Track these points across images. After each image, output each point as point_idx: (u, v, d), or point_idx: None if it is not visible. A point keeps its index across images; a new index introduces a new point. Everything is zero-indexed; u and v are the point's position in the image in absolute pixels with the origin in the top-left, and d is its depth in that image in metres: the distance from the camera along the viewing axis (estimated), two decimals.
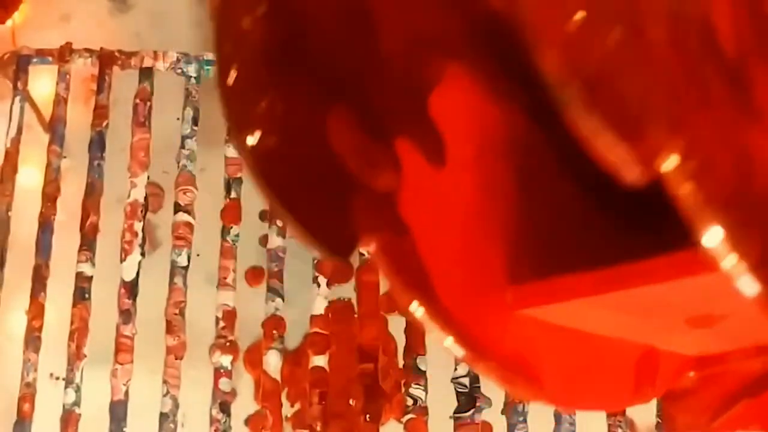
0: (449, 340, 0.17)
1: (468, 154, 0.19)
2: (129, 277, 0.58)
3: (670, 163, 0.13)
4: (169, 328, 0.58)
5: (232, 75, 0.19)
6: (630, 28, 0.14)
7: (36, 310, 0.58)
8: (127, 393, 0.57)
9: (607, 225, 0.18)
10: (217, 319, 0.58)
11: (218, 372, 0.58)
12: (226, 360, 0.58)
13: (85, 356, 0.57)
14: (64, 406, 0.57)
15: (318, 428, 0.59)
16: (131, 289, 0.58)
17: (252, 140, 0.18)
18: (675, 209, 0.13)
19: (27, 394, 0.57)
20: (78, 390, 0.57)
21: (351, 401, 0.59)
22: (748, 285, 0.12)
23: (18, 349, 0.58)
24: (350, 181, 0.18)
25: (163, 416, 0.56)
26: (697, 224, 0.13)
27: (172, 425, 0.56)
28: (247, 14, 0.19)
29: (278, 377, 0.61)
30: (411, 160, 0.18)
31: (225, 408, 0.57)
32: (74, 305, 0.58)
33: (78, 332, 0.58)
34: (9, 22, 0.73)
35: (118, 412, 0.57)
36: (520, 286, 0.18)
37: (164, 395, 0.57)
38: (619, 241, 0.17)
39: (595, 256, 0.15)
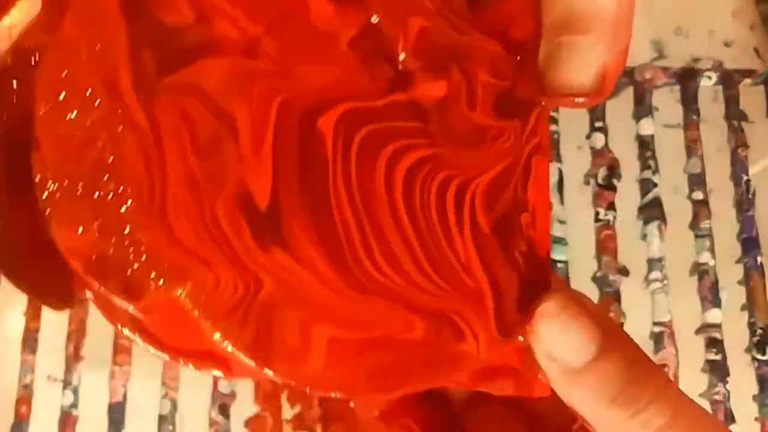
0: (151, 350, 0.24)
1: None
2: None
3: (180, 298, 0.21)
4: None
5: None
6: (143, 224, 0.22)
7: (33, 311, 0.58)
8: (125, 395, 0.56)
9: None
10: None
11: None
12: None
13: (83, 358, 0.57)
14: (61, 407, 0.56)
15: (318, 430, 0.58)
16: None
17: None
18: None
19: (24, 396, 0.57)
20: (76, 392, 0.57)
21: (351, 403, 0.59)
22: (245, 361, 0.22)
23: (15, 350, 0.58)
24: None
25: (161, 418, 0.56)
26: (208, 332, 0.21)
27: (170, 427, 0.56)
28: None
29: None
30: None
31: (224, 410, 0.57)
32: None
33: (76, 333, 0.57)
34: (6, 20, 0.72)
35: (116, 413, 0.56)
36: None
37: (163, 397, 0.56)
38: None
39: None
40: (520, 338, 0.24)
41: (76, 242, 0.22)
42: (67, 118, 0.22)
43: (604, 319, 0.23)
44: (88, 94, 0.22)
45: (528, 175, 0.25)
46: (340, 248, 0.23)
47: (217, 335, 0.22)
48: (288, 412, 0.62)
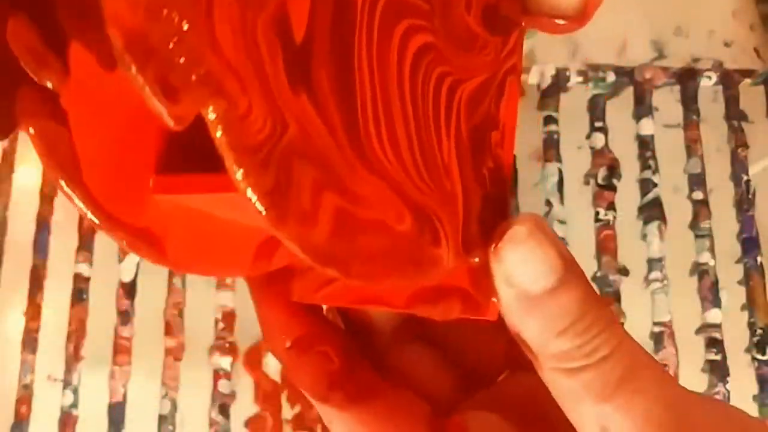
0: (88, 213, 0.22)
1: None
2: (127, 277, 0.58)
3: (209, 116, 0.18)
4: (168, 330, 0.57)
5: None
6: (191, 16, 0.19)
7: (33, 312, 0.58)
8: (125, 395, 0.56)
9: None
10: (217, 321, 0.58)
11: (217, 374, 0.57)
12: (225, 361, 0.57)
13: (83, 358, 0.57)
14: (61, 407, 0.56)
15: (318, 430, 0.58)
16: (129, 289, 0.58)
17: None
18: None
19: (24, 396, 0.57)
20: (76, 392, 0.57)
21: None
22: (259, 209, 0.19)
23: (15, 350, 0.58)
24: (20, 77, 0.22)
25: (161, 418, 0.56)
26: (225, 162, 0.18)
27: (170, 427, 0.56)
28: None
29: (278, 379, 0.61)
30: (83, 61, 0.22)
31: (224, 410, 0.57)
32: (72, 306, 0.58)
33: (76, 334, 0.57)
34: None
35: (116, 413, 0.56)
36: (162, 176, 0.23)
37: (163, 397, 0.56)
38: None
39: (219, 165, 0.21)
40: (476, 259, 0.23)
41: (122, 10, 0.18)
42: None
43: (566, 251, 0.23)
44: None
45: (502, 94, 0.25)
46: (356, 118, 0.22)
47: (239, 172, 0.19)
48: (288, 412, 0.62)
